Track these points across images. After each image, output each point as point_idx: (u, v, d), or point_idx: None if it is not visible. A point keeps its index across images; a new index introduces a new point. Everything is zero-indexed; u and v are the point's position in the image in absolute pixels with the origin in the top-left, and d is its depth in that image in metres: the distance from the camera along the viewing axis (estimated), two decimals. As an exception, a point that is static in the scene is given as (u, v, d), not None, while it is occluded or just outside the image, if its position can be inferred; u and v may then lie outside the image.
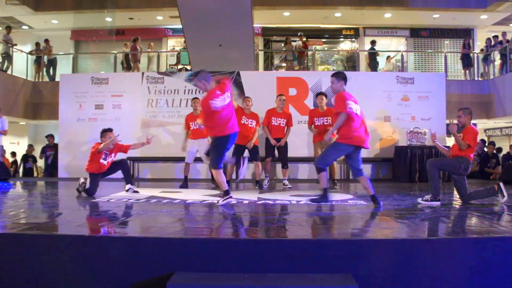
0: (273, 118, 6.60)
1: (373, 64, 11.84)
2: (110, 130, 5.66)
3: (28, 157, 10.65)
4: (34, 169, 10.69)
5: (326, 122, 6.49)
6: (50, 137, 10.26)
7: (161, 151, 8.93)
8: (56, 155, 9.84)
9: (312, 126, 6.66)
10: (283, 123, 6.61)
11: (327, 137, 4.52)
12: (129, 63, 11.45)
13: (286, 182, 6.66)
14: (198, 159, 7.10)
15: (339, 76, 4.43)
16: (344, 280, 2.44)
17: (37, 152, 11.26)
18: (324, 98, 6.62)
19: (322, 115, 6.54)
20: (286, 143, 6.68)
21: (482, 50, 12.02)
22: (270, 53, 13.98)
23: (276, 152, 6.76)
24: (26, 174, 10.42)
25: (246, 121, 6.49)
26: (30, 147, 11.00)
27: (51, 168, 9.89)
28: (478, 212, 4.17)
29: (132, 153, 8.96)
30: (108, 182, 8.11)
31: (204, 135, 6.80)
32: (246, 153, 6.63)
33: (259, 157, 6.64)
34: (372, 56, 11.94)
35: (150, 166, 9.16)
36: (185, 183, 6.73)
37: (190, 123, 6.82)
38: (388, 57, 12.69)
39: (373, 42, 12.21)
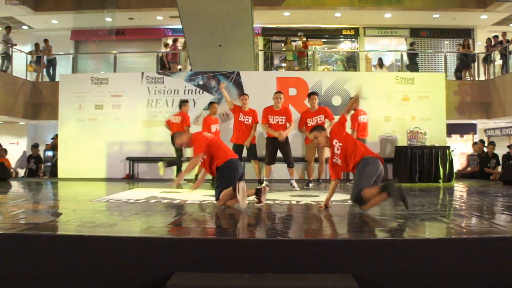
0: (270, 116, 6.48)
1: (412, 66, 11.74)
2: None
3: (31, 158, 10.30)
4: (39, 170, 10.28)
5: (320, 120, 6.55)
6: (56, 138, 10.16)
7: (161, 151, 8.92)
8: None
9: (304, 128, 6.70)
10: (281, 121, 6.48)
11: None
12: (164, 64, 11.46)
13: (294, 183, 6.43)
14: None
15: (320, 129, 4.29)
16: (344, 280, 2.44)
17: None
18: (316, 97, 6.68)
19: (315, 114, 6.62)
20: (288, 142, 6.54)
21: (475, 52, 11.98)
22: (270, 53, 13.97)
23: (278, 153, 6.72)
24: (30, 176, 10.11)
25: (243, 118, 6.60)
26: (34, 147, 10.54)
27: (55, 168, 9.87)
28: (478, 212, 4.17)
29: (132, 153, 9.02)
30: (108, 182, 8.13)
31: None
32: (244, 153, 6.63)
33: (257, 155, 6.63)
34: (412, 56, 11.84)
35: (150, 166, 9.15)
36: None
37: (212, 125, 7.05)
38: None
39: (412, 44, 12.25)
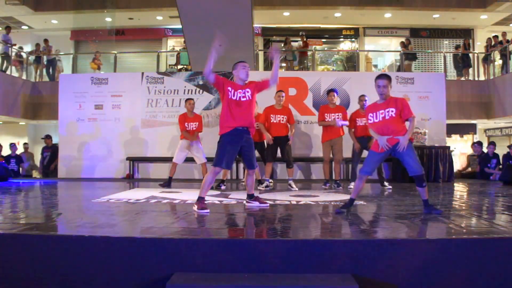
0: (271, 115, 6.43)
1: (462, 69, 11.68)
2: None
3: (11, 158, 9.69)
4: (20, 170, 9.75)
5: (338, 117, 6.51)
6: (47, 138, 10.07)
7: (161, 151, 8.93)
8: (52, 155, 9.77)
9: (324, 121, 6.64)
10: (283, 120, 6.44)
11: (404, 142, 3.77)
12: None
13: (292, 184, 6.41)
14: (188, 160, 7.02)
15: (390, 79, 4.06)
16: (344, 280, 2.44)
17: (36, 153, 11.20)
18: (335, 94, 6.65)
19: (334, 111, 6.57)
20: (288, 141, 6.50)
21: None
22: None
23: (278, 152, 6.69)
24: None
25: None
26: (13, 146, 9.92)
27: (47, 169, 9.84)
28: (478, 212, 4.17)
29: (132, 153, 9.02)
30: (108, 182, 8.12)
31: (198, 136, 6.78)
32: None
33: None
34: (466, 57, 11.71)
35: (150, 166, 9.17)
36: (167, 183, 6.65)
37: (185, 123, 6.72)
38: None
39: (457, 47, 12.26)
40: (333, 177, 6.93)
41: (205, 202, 4.05)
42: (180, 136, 6.83)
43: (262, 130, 6.46)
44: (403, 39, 12.96)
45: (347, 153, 7.89)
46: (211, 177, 4.05)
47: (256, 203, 4.38)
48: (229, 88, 4.28)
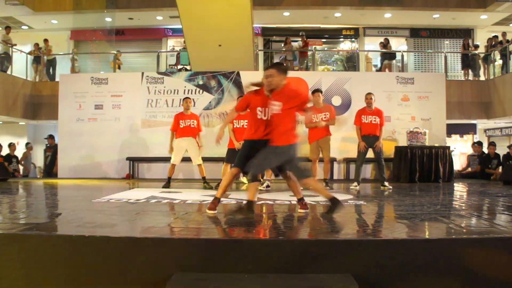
0: None
1: (463, 68, 11.60)
2: None
3: (11, 158, 9.76)
4: (19, 170, 9.84)
5: (324, 117, 6.51)
6: (50, 138, 10.11)
7: (161, 151, 8.92)
8: (53, 156, 9.77)
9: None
10: None
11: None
12: None
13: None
14: (188, 160, 7.01)
15: (281, 69, 3.87)
16: (344, 280, 2.44)
17: (35, 153, 11.17)
18: (320, 94, 6.66)
19: (320, 111, 6.56)
20: None
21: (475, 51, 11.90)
22: (270, 53, 13.98)
23: None
24: (15, 177, 9.51)
25: (238, 123, 6.35)
26: (12, 145, 9.98)
27: (49, 169, 9.85)
28: (478, 212, 4.17)
29: (132, 153, 9.02)
30: (108, 182, 8.12)
31: (194, 134, 6.76)
32: None
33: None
34: (466, 57, 11.65)
35: (150, 166, 9.16)
36: (167, 184, 6.70)
37: (180, 121, 6.74)
38: None
39: (477, 46, 12.18)
40: (323, 176, 6.91)
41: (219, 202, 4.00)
42: (174, 135, 6.83)
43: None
44: (403, 39, 12.99)
45: (350, 153, 7.90)
46: (230, 177, 4.00)
47: (299, 207, 4.04)
48: (259, 109, 3.90)
